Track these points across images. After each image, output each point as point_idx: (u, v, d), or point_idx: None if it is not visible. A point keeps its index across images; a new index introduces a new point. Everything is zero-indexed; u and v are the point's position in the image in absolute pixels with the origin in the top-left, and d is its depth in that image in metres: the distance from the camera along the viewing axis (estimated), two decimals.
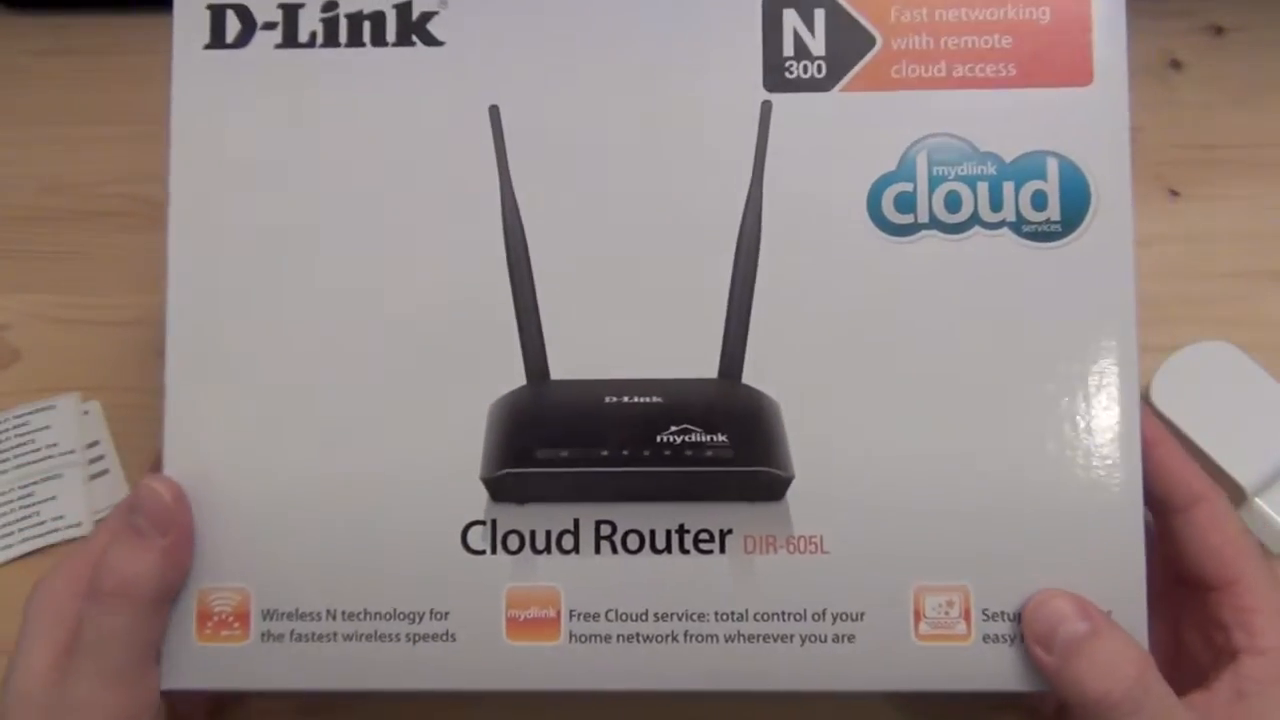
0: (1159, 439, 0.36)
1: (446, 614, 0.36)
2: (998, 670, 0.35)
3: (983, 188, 0.36)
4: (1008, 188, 0.36)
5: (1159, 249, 0.52)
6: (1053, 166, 0.36)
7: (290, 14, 0.37)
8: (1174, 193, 0.54)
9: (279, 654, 0.36)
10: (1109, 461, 0.35)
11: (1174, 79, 0.58)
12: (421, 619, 0.36)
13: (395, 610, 0.36)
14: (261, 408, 0.36)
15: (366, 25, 0.37)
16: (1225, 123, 0.57)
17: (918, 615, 0.35)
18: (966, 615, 0.35)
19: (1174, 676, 0.33)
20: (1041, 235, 0.36)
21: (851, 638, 0.35)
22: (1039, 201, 0.36)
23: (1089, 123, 0.36)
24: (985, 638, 0.35)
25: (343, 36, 0.37)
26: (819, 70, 0.36)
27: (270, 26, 0.37)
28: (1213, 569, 0.34)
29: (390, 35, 0.37)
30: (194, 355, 0.37)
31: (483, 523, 0.36)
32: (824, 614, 0.35)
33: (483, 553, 0.36)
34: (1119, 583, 0.34)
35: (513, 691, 0.36)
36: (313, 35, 0.37)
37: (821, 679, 0.35)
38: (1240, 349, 0.43)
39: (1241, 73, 0.58)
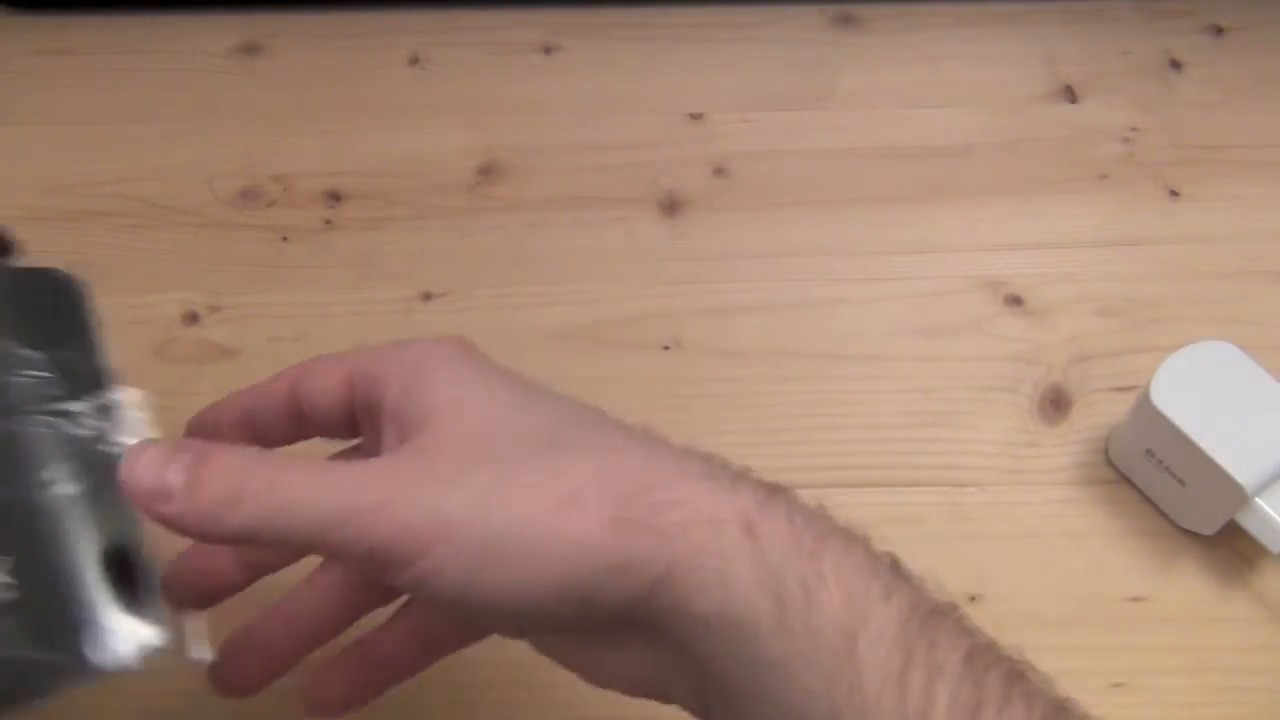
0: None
1: None
2: None
3: None
4: None
5: (1159, 249, 0.52)
6: None
7: None
8: (1174, 193, 0.54)
9: None
10: None
11: (1174, 79, 0.58)
12: None
13: None
14: None
15: None
16: (1225, 123, 0.56)
17: None
18: None
19: None
20: None
21: None
22: None
23: None
24: None
25: None
26: None
27: None
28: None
29: None
30: None
31: None
32: None
33: None
34: None
35: None
36: None
37: None
38: (1240, 349, 0.43)
39: (1241, 73, 0.58)
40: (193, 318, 0.50)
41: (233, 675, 0.31)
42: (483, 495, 0.26)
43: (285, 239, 0.53)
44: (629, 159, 0.55)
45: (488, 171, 0.55)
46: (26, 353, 0.29)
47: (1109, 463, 0.46)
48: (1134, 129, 0.56)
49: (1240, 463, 0.41)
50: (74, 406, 0.28)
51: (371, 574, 0.26)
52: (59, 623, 0.26)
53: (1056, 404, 0.47)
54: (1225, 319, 0.49)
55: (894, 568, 0.27)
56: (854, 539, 0.27)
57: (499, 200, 0.54)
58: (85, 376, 0.29)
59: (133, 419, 0.29)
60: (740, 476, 0.28)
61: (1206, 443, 0.41)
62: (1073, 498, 0.45)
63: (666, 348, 0.49)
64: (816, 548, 0.26)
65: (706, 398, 0.48)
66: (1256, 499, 0.41)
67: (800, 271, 0.51)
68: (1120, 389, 0.47)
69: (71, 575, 0.26)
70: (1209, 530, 0.43)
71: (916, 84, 0.58)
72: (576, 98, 0.58)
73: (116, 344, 0.50)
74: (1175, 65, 0.58)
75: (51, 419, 0.28)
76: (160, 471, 0.26)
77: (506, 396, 0.29)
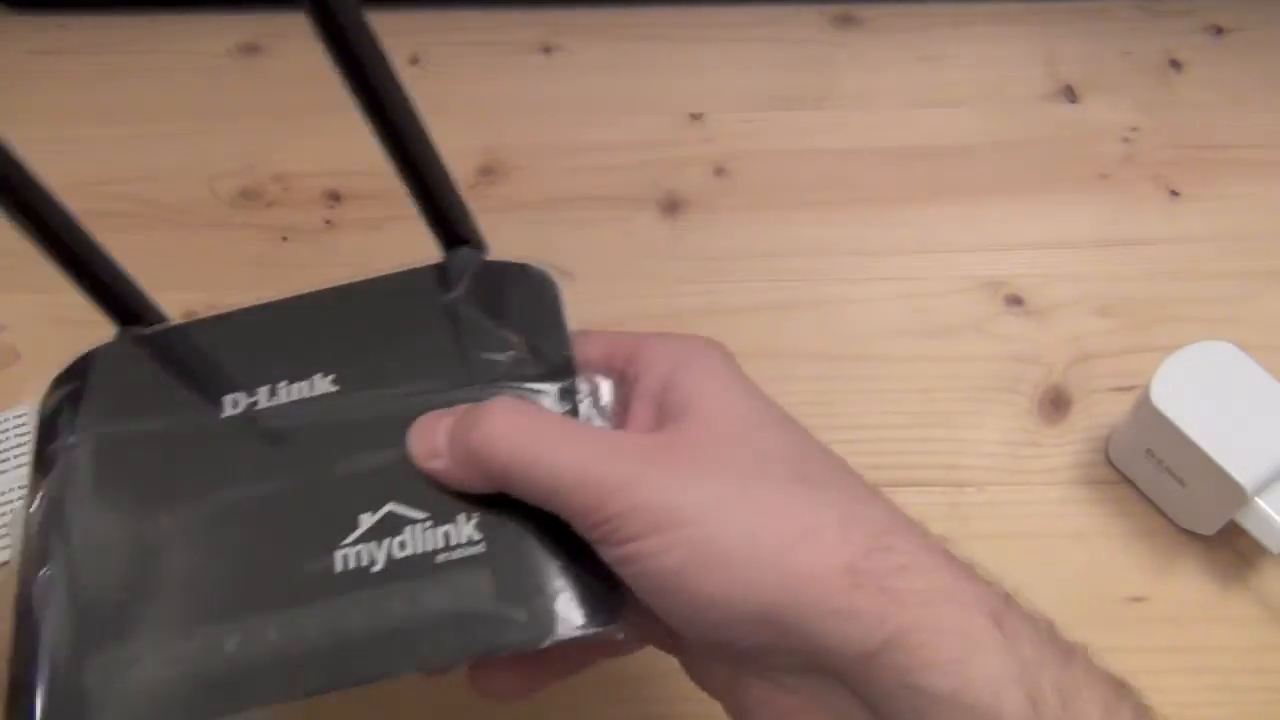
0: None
1: None
2: None
3: None
4: None
5: (1159, 249, 0.52)
6: None
7: None
8: (1174, 193, 0.54)
9: None
10: None
11: (1174, 79, 0.58)
12: None
13: None
14: None
15: None
16: (1225, 123, 0.56)
17: None
18: None
19: None
20: None
21: None
22: None
23: None
24: None
25: None
26: None
27: None
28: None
29: None
30: None
31: None
32: None
33: None
34: None
35: None
36: None
37: None
38: (1240, 349, 0.43)
39: (1241, 73, 0.58)
40: (192, 318, 0.50)
41: (495, 681, 0.30)
42: (721, 500, 0.26)
43: (285, 239, 0.53)
44: (629, 159, 0.55)
45: (488, 171, 0.55)
46: (504, 334, 0.31)
47: (1109, 463, 0.46)
48: (1134, 129, 0.56)
49: (1240, 463, 0.41)
50: (542, 386, 0.30)
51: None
52: (525, 582, 0.27)
53: (1056, 404, 0.47)
54: (1225, 319, 0.49)
55: (1129, 688, 0.26)
56: (1088, 653, 0.27)
57: (499, 200, 0.54)
58: (554, 361, 0.31)
59: (597, 403, 0.30)
60: (972, 566, 0.28)
61: (1206, 443, 0.41)
62: (1073, 498, 0.45)
63: None
64: (1066, 656, 0.26)
65: None
66: (1256, 499, 0.41)
67: (800, 271, 0.51)
68: (1120, 389, 0.47)
69: (536, 536, 0.28)
70: (1209, 530, 0.43)
71: (916, 84, 0.58)
72: (576, 98, 0.58)
73: None
74: (1175, 65, 0.58)
75: (521, 393, 0.30)
76: (431, 434, 0.29)
77: (761, 412, 0.29)
